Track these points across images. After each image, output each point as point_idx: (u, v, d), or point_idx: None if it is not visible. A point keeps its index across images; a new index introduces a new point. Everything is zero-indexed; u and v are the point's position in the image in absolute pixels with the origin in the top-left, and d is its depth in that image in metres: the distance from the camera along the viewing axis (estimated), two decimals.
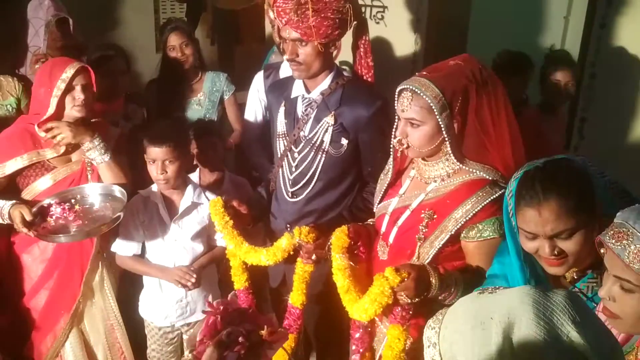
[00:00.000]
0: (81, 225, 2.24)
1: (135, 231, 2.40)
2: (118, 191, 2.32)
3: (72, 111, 2.30)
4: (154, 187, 2.43)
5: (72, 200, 2.31)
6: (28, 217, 2.16)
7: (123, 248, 2.41)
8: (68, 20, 3.08)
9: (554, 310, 0.91)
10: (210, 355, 1.08)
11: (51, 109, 2.26)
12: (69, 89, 2.27)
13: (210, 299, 2.50)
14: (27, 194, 2.34)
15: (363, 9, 4.02)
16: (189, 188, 2.43)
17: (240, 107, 3.31)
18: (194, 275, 2.34)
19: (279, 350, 2.10)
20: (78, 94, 2.28)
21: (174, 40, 3.10)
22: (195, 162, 2.88)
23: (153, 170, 2.32)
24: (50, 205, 2.28)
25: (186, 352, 1.21)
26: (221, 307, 1.16)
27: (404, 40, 4.00)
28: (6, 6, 3.48)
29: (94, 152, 2.33)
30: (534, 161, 1.50)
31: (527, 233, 1.45)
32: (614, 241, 1.24)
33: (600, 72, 3.42)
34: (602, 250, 1.30)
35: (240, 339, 1.14)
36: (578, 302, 0.95)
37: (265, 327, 1.19)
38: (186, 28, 3.26)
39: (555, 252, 1.42)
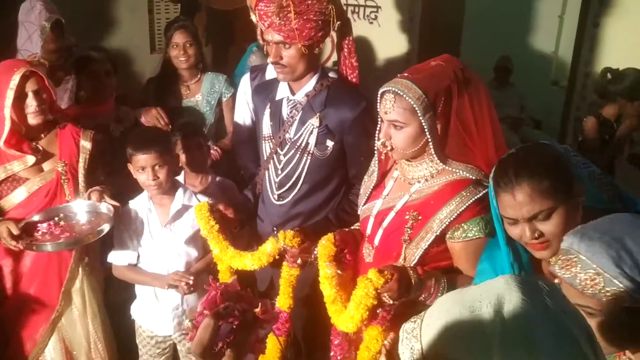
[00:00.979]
0: (68, 237, 2.21)
1: (129, 240, 2.37)
2: (104, 207, 2.29)
3: (29, 119, 2.22)
4: (143, 195, 2.40)
5: (56, 218, 2.28)
6: (15, 232, 2.12)
7: (118, 258, 2.38)
8: (62, 22, 3.06)
9: (537, 287, 0.93)
10: (208, 323, 1.19)
11: (7, 122, 2.17)
12: (19, 97, 2.18)
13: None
14: (3, 207, 2.30)
15: (356, 9, 4.03)
16: (179, 191, 2.40)
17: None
18: (191, 277, 2.30)
19: (268, 351, 2.13)
20: (30, 101, 2.20)
21: (178, 38, 3.07)
22: (180, 165, 2.88)
23: (142, 177, 2.28)
24: (36, 222, 2.24)
25: (186, 321, 1.29)
26: (222, 285, 1.26)
27: (397, 40, 4.00)
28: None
29: None
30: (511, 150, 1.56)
31: (507, 219, 1.50)
32: (563, 271, 1.22)
33: (593, 72, 3.40)
34: (556, 281, 1.28)
35: (235, 313, 1.22)
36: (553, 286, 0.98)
37: (260, 305, 1.28)
38: (192, 28, 3.22)
39: (536, 235, 1.45)
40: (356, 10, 4.01)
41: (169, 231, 2.39)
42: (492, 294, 0.93)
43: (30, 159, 2.27)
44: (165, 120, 2.86)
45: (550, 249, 1.47)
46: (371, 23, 4.02)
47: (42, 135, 2.34)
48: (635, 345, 1.24)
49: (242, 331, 1.24)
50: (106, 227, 2.21)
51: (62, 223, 2.26)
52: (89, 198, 2.33)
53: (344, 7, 3.88)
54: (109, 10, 4.97)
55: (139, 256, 2.40)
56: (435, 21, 3.98)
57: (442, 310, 1.00)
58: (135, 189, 2.43)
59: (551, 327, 0.88)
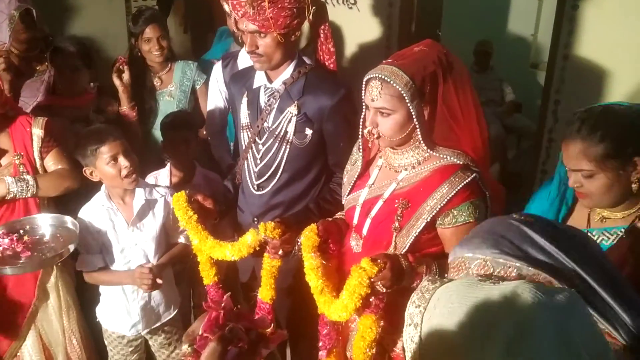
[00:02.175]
0: (29, 256, 2.12)
1: (95, 244, 2.29)
2: (70, 222, 2.22)
3: None
4: (100, 196, 2.32)
5: (21, 231, 2.20)
6: None
7: (87, 264, 2.30)
8: (32, 11, 2.98)
9: (553, 298, 0.91)
10: (214, 349, 1.11)
11: None
12: None
13: (170, 300, 2.46)
14: None
15: None
16: (140, 186, 2.33)
17: None
18: (150, 276, 2.23)
19: None
20: None
21: (151, 32, 2.99)
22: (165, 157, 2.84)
23: (114, 169, 2.20)
24: None
25: (185, 346, 1.21)
26: (222, 305, 1.20)
27: (377, 26, 3.95)
28: None
29: (20, 194, 2.24)
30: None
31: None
32: (458, 276, 1.21)
33: (572, 53, 3.39)
34: None
35: (240, 334, 1.16)
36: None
37: (272, 326, 1.23)
38: (163, 19, 3.16)
39: (576, 186, 1.64)
40: None
41: (136, 229, 2.32)
42: (506, 299, 0.91)
43: None
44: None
45: (589, 201, 1.66)
46: (350, 8, 3.97)
47: None
48: None
49: (250, 353, 1.19)
50: (71, 247, 2.13)
51: (25, 238, 2.18)
52: None
53: None
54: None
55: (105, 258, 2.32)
56: (415, 6, 3.94)
57: (447, 305, 0.98)
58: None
59: (561, 347, 0.85)
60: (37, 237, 2.21)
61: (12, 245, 2.14)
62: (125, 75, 2.86)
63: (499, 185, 1.93)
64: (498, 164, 5.09)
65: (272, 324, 1.59)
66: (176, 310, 2.50)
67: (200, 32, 5.58)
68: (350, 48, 4.03)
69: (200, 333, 1.27)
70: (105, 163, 2.19)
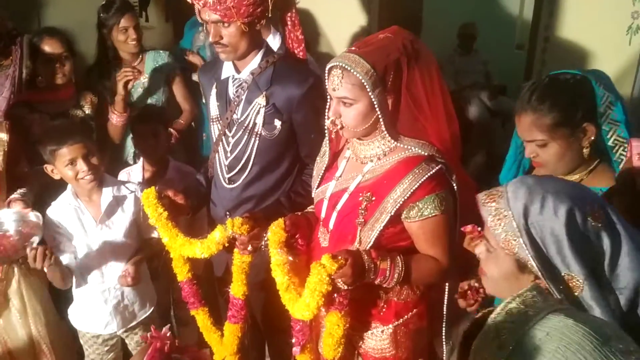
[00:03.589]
0: None
1: (62, 244, 2.23)
2: (33, 215, 2.16)
3: None
4: (67, 194, 2.26)
5: None
6: None
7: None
8: None
9: None
10: None
11: None
12: None
13: (146, 298, 2.43)
14: None
15: None
16: (107, 183, 2.29)
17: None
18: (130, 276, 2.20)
19: (226, 339, 2.08)
20: None
21: (126, 22, 2.92)
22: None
23: (72, 172, 2.14)
24: None
25: None
26: (168, 334, 1.15)
27: (357, 11, 3.90)
28: None
29: None
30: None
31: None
32: (484, 199, 1.28)
33: (553, 35, 3.35)
34: None
35: None
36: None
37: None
38: (134, 8, 3.09)
39: (532, 156, 1.66)
40: None
41: (105, 227, 2.27)
42: None
43: None
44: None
45: (545, 169, 1.66)
46: None
47: None
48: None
49: None
50: (36, 239, 2.08)
51: None
52: (9, 206, 2.20)
53: None
54: None
55: (75, 257, 2.27)
56: None
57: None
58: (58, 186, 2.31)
59: None
60: (1, 232, 2.14)
61: None
62: (130, 85, 2.78)
63: (469, 178, 1.89)
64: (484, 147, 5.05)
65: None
66: (152, 308, 2.46)
67: (182, 21, 5.49)
68: (330, 34, 3.98)
69: None
70: (64, 165, 2.14)
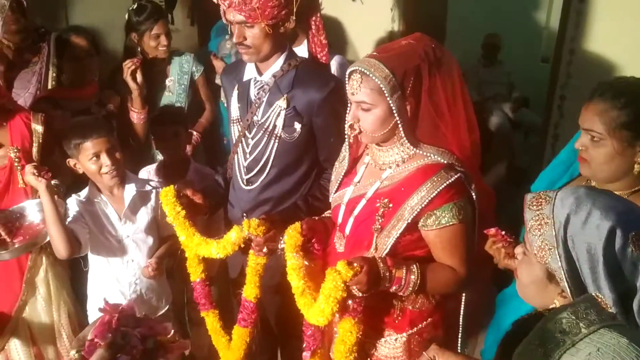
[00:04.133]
0: (23, 240, 2.17)
1: (82, 234, 2.23)
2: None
3: None
4: (90, 189, 2.29)
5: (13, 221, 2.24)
6: None
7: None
8: (22, 2, 2.95)
9: None
10: (101, 355, 1.03)
11: None
12: None
13: (162, 294, 2.44)
14: None
15: None
16: (130, 179, 2.33)
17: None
18: (153, 267, 2.25)
19: (234, 343, 2.07)
20: None
21: (159, 29, 2.96)
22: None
23: (95, 166, 2.18)
24: None
25: (72, 352, 1.15)
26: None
27: (381, 18, 3.89)
28: None
29: None
30: None
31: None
32: (529, 203, 1.24)
33: (579, 48, 3.31)
34: None
35: (134, 341, 1.08)
36: None
37: (172, 333, 1.15)
38: (166, 14, 3.12)
39: (581, 148, 1.62)
40: None
41: (128, 221, 2.30)
42: None
43: None
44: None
45: (588, 167, 1.63)
46: (354, 0, 3.91)
47: None
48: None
49: None
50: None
51: (17, 224, 2.24)
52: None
53: None
54: None
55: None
56: None
57: None
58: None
59: None
60: (27, 223, 2.25)
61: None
62: (139, 77, 2.79)
63: (488, 188, 1.87)
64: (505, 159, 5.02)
65: (173, 332, 1.50)
66: (168, 305, 2.48)
67: (207, 25, 5.54)
68: (353, 40, 3.97)
69: (90, 338, 1.20)
70: (87, 159, 2.17)
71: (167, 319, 2.43)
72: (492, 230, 1.59)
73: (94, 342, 1.12)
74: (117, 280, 2.32)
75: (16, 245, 2.15)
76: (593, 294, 1.10)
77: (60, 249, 2.11)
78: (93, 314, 2.42)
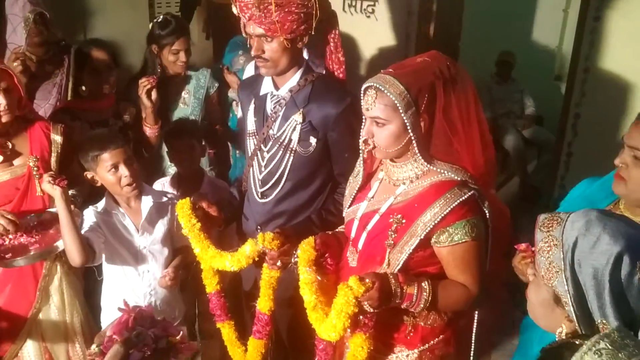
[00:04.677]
0: (38, 248, 2.19)
1: (97, 242, 2.25)
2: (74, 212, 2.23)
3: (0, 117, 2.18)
4: (106, 200, 2.32)
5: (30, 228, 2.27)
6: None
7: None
8: (46, 15, 3.02)
9: None
10: (117, 350, 1.13)
11: None
12: None
13: (175, 307, 2.46)
14: None
15: (353, 2, 3.96)
16: (146, 190, 2.36)
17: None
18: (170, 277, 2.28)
19: (249, 354, 2.09)
20: (0, 99, 2.15)
21: (180, 44, 2.99)
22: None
23: (114, 177, 2.20)
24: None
25: (93, 346, 1.23)
26: (137, 309, 1.20)
27: (395, 35, 3.92)
28: None
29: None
30: None
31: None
32: (541, 223, 1.22)
33: (593, 66, 3.31)
34: None
35: (147, 340, 1.15)
36: None
37: (181, 335, 1.22)
38: (189, 31, 3.16)
39: (620, 165, 1.59)
40: (353, 3, 3.93)
41: (145, 232, 2.32)
42: None
43: None
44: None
45: (623, 187, 1.59)
46: (368, 17, 3.94)
47: (11, 131, 2.29)
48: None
49: None
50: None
51: (34, 232, 2.26)
52: None
53: (341, 1, 3.89)
54: (109, 4, 4.96)
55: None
56: (434, 15, 3.90)
57: None
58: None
59: None
60: (45, 231, 2.27)
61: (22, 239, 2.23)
62: (154, 95, 2.82)
63: (503, 206, 1.88)
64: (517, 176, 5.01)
65: (182, 333, 1.56)
66: (181, 318, 2.49)
67: (223, 39, 5.62)
68: (368, 57, 4.00)
69: (109, 334, 1.29)
70: (106, 170, 2.19)
71: (179, 331, 2.46)
72: (523, 246, 1.58)
73: (112, 338, 1.19)
74: (132, 291, 2.34)
75: (32, 253, 2.18)
76: (598, 321, 1.09)
77: (74, 256, 2.12)
78: (107, 324, 2.44)
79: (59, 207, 2.09)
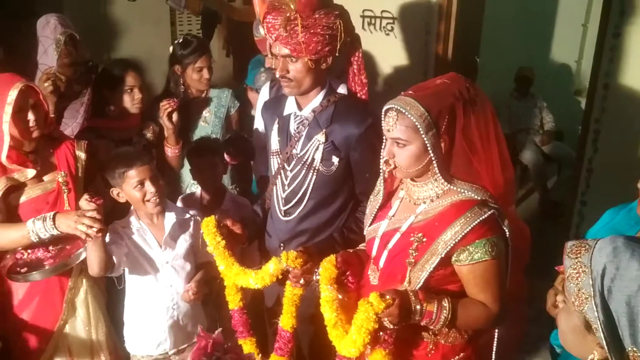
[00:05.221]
0: (53, 263, 2.24)
1: (119, 254, 2.31)
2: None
3: (28, 133, 2.23)
4: (130, 217, 2.39)
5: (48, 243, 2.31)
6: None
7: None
8: (76, 37, 3.12)
9: None
10: None
11: (6, 138, 2.18)
12: (18, 111, 2.18)
13: (198, 321, 2.48)
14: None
15: (372, 21, 4.01)
16: (170, 207, 2.42)
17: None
18: (193, 292, 2.33)
19: None
20: (29, 115, 2.21)
21: (203, 62, 3.06)
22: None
23: (140, 193, 2.27)
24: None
25: None
26: (212, 336, 1.31)
27: (414, 53, 3.96)
28: (20, 24, 3.56)
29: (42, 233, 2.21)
30: None
31: None
32: (569, 250, 1.23)
33: (613, 82, 3.32)
34: None
35: None
36: None
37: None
38: (209, 49, 3.22)
39: None
40: (372, 22, 3.98)
41: (167, 248, 2.38)
42: None
43: (31, 172, 2.27)
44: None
45: None
46: (387, 35, 3.98)
47: (39, 148, 2.35)
48: None
49: None
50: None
51: (51, 248, 2.30)
52: None
53: (360, 19, 3.94)
54: (131, 23, 5.07)
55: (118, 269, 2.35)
56: (453, 32, 3.93)
57: None
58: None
59: None
60: (62, 245, 2.32)
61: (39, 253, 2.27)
62: (175, 117, 2.88)
63: (523, 225, 1.90)
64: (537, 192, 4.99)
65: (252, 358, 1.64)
66: None
67: (243, 57, 5.71)
68: (387, 75, 4.04)
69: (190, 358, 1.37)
70: (132, 187, 2.27)
71: None
72: (562, 268, 1.61)
73: None
74: (155, 305, 2.40)
75: (46, 267, 2.22)
76: (628, 348, 1.09)
77: (95, 266, 2.19)
78: (130, 338, 2.49)
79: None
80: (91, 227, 2.08)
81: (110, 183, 2.34)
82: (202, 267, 2.45)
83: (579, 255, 1.18)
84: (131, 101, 2.86)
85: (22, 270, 2.23)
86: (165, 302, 2.40)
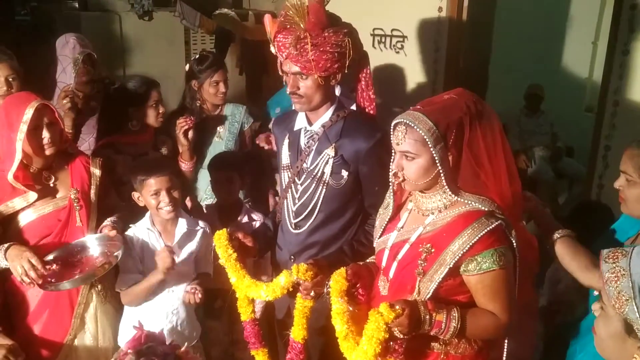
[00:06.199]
0: (82, 272, 2.28)
1: (134, 265, 2.41)
2: (116, 236, 2.37)
3: (44, 150, 2.28)
4: (145, 220, 2.47)
5: (74, 254, 2.36)
6: (38, 265, 2.18)
7: (125, 282, 2.41)
8: (93, 56, 3.20)
9: None
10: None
11: (18, 155, 2.22)
12: (33, 129, 2.23)
13: (193, 327, 2.54)
14: (12, 230, 2.32)
15: (383, 39, 4.07)
16: (183, 216, 2.50)
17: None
18: (170, 257, 2.32)
19: None
20: (44, 133, 2.26)
21: (219, 76, 3.15)
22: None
23: (155, 202, 2.37)
24: (50, 261, 2.30)
25: None
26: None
27: (424, 70, 4.01)
28: (38, 43, 3.67)
29: None
30: None
31: None
32: (606, 256, 1.29)
33: (623, 99, 3.34)
34: None
35: (157, 353, 1.40)
36: None
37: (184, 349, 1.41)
38: (225, 64, 3.30)
39: (620, 188, 1.94)
40: (382, 40, 4.05)
41: (174, 255, 2.40)
42: None
43: (32, 196, 2.29)
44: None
45: (624, 206, 1.94)
46: (397, 53, 4.05)
47: (54, 165, 2.40)
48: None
49: None
50: (119, 254, 2.28)
51: (78, 257, 2.36)
52: (100, 232, 2.40)
53: (371, 37, 4.00)
54: (146, 42, 5.18)
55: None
56: (463, 50, 3.98)
57: None
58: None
59: None
60: (88, 256, 2.37)
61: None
62: (191, 134, 2.94)
63: (530, 236, 1.92)
64: (548, 208, 4.96)
65: (187, 350, 1.74)
66: (197, 339, 2.58)
67: (255, 74, 5.79)
68: (397, 92, 4.09)
69: (124, 350, 1.48)
70: (149, 194, 2.38)
71: (197, 350, 2.55)
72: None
73: (127, 352, 1.37)
74: (154, 309, 2.44)
75: (76, 277, 2.27)
76: None
77: (131, 298, 2.41)
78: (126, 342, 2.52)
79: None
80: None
81: (134, 187, 2.45)
82: (199, 278, 2.50)
83: (616, 260, 1.22)
84: (155, 116, 2.94)
85: (52, 280, 2.25)
86: (165, 306, 2.45)
